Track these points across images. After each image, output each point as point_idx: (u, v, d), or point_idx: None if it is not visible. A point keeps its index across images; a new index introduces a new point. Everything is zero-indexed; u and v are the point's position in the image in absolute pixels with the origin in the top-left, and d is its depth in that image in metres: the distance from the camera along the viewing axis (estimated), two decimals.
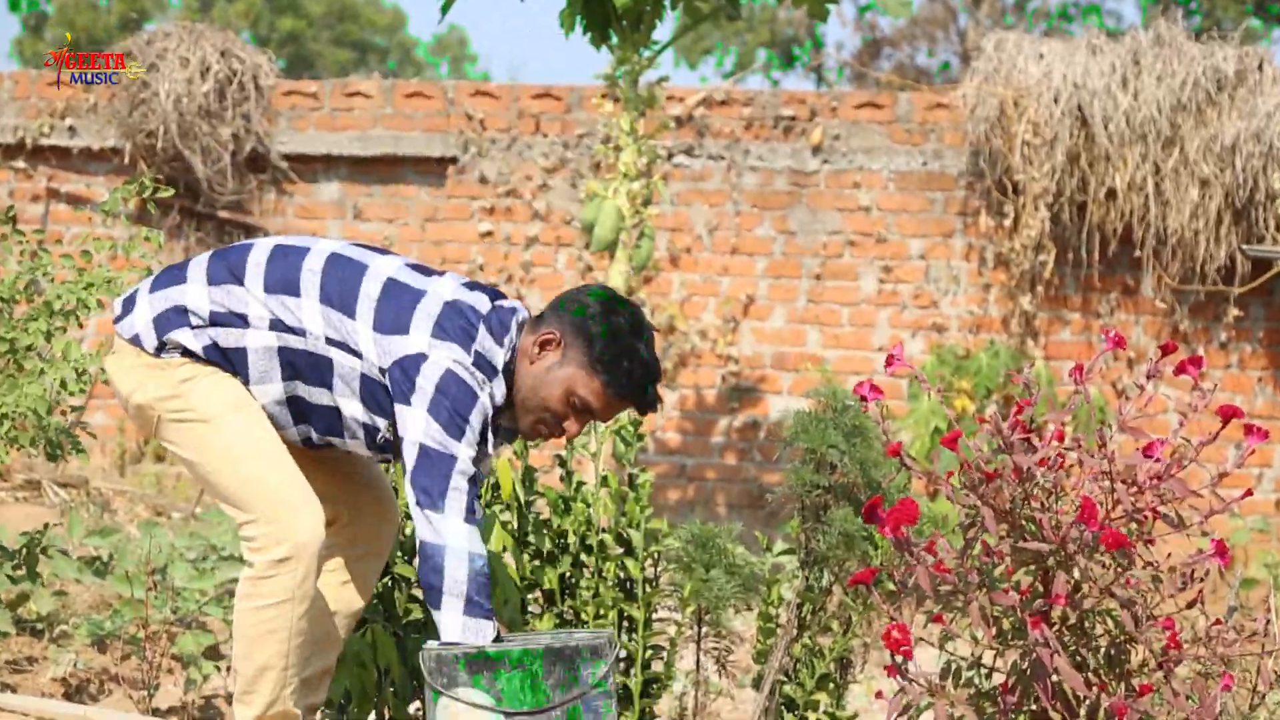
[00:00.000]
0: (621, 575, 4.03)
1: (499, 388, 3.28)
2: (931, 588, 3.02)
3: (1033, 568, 3.11)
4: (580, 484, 4.09)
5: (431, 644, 3.14)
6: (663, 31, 22.16)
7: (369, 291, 3.29)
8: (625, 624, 4.03)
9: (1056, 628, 3.09)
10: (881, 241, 8.96)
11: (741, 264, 9.13)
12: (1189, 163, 8.38)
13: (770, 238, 9.10)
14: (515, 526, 4.00)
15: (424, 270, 3.38)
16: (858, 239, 8.99)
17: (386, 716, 3.92)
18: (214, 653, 5.34)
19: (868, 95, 9.07)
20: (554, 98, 9.20)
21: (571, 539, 4.04)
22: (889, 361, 3.26)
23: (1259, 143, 8.28)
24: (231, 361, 3.32)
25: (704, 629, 4.14)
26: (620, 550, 4.04)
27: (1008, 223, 8.68)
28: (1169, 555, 3.13)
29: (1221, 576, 7.46)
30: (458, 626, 3.13)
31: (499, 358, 3.28)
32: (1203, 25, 19.79)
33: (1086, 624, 3.14)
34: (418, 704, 3.93)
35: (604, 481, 4.07)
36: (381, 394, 3.28)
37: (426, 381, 3.19)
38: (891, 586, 3.36)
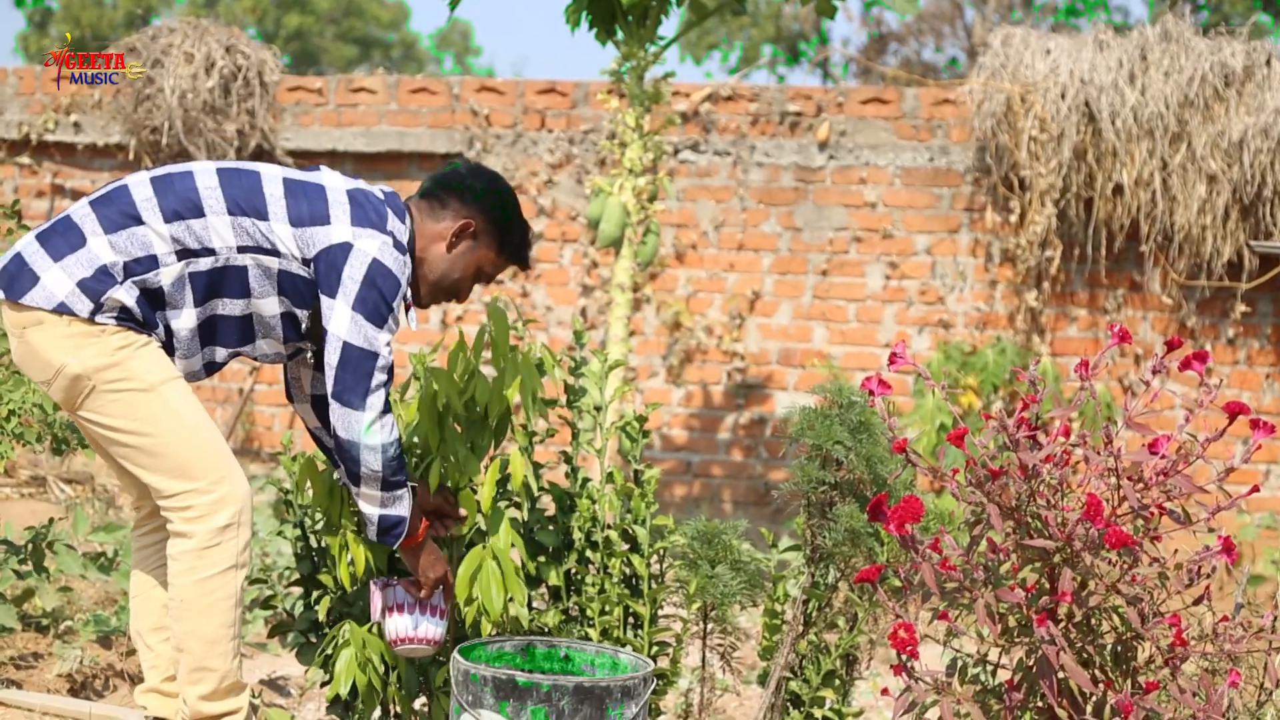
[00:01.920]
0: (627, 572, 4.03)
1: (409, 268, 3.46)
2: (937, 585, 3.02)
3: (1039, 565, 3.11)
4: (585, 480, 4.10)
5: (459, 657, 3.12)
6: (668, 27, 22.16)
7: (272, 191, 3.41)
8: (630, 620, 4.03)
9: (1063, 625, 3.09)
10: (888, 238, 8.96)
11: (748, 260, 9.13)
12: (1196, 158, 8.36)
13: (776, 234, 9.10)
14: (523, 522, 4.00)
15: (302, 170, 3.54)
16: (864, 235, 8.99)
17: (393, 713, 3.92)
18: None
19: (874, 91, 9.07)
20: (559, 93, 9.20)
21: (577, 535, 4.04)
22: (892, 359, 3.27)
23: (1267, 138, 8.27)
24: (152, 303, 3.34)
25: (710, 625, 4.14)
26: (626, 547, 4.04)
27: (1014, 219, 8.67)
28: (1175, 552, 3.13)
29: (1229, 573, 7.47)
30: (375, 504, 3.39)
31: (404, 238, 3.46)
32: (1210, 21, 19.76)
33: (1093, 621, 3.14)
34: (423, 700, 3.93)
35: (609, 478, 4.08)
36: (302, 285, 3.40)
37: (354, 273, 3.33)
38: (897, 583, 3.37)
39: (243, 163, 3.50)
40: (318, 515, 3.93)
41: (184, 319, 3.37)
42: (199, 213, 3.35)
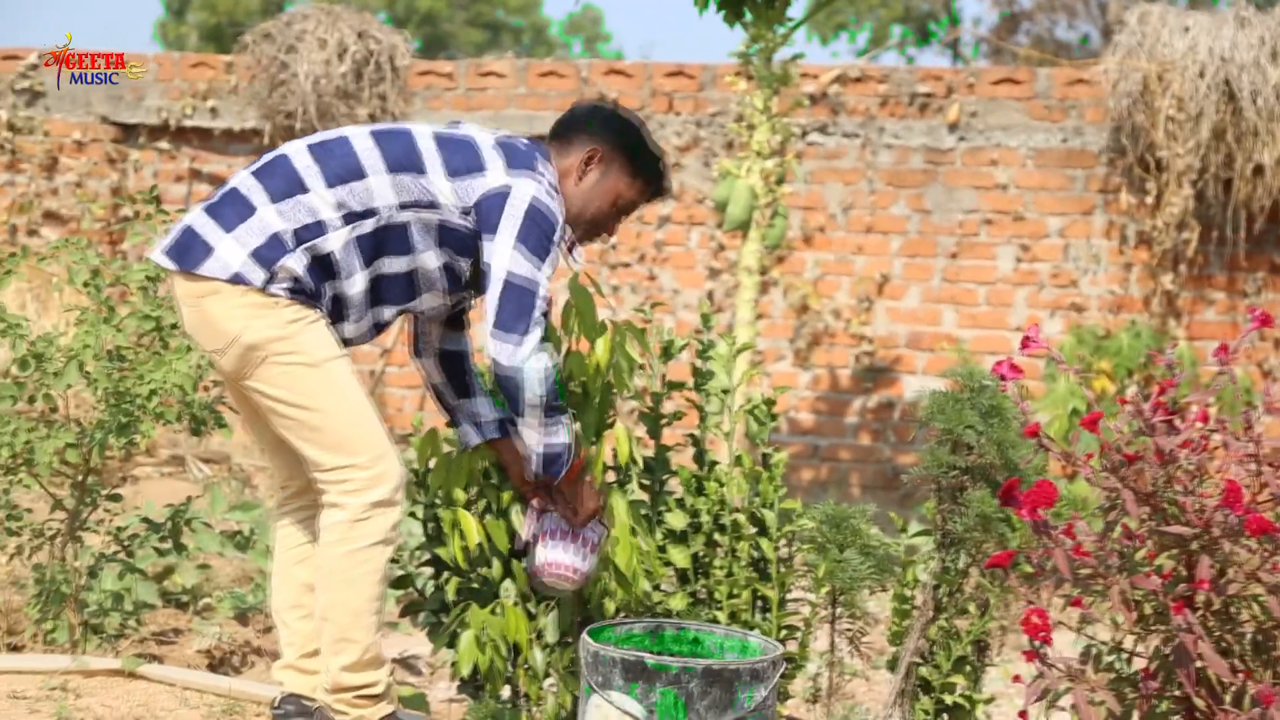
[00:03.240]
0: (755, 555, 4.03)
1: (562, 207, 3.51)
2: (1070, 571, 2.98)
3: (1175, 552, 3.06)
4: (713, 463, 4.09)
5: (588, 639, 3.13)
6: (797, 8, 22.06)
7: (426, 147, 3.48)
8: (759, 604, 4.03)
9: (1200, 613, 3.03)
10: (1019, 220, 8.84)
11: (876, 243, 9.06)
12: None
13: (905, 216, 9.02)
14: (648, 503, 4.01)
15: (445, 127, 3.61)
16: (995, 217, 8.88)
17: (521, 693, 3.96)
18: None
19: (1006, 71, 8.95)
20: (687, 76, 9.19)
21: (705, 518, 4.04)
22: (1024, 343, 3.23)
23: None
24: (322, 270, 3.41)
25: (838, 610, 4.12)
26: (754, 530, 4.04)
27: (1150, 200, 8.51)
28: None
29: None
30: (537, 434, 3.44)
31: (554, 180, 3.54)
32: None
33: (1231, 610, 3.08)
34: (551, 680, 3.96)
35: (737, 461, 4.07)
36: (463, 234, 3.47)
37: (514, 211, 3.41)
38: (1029, 569, 3.32)
39: (389, 124, 3.57)
40: (438, 492, 3.97)
41: (355, 283, 3.44)
42: (360, 174, 3.41)
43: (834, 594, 4.08)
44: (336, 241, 3.40)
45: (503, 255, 3.38)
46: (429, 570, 4.18)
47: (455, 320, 3.77)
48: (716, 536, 4.05)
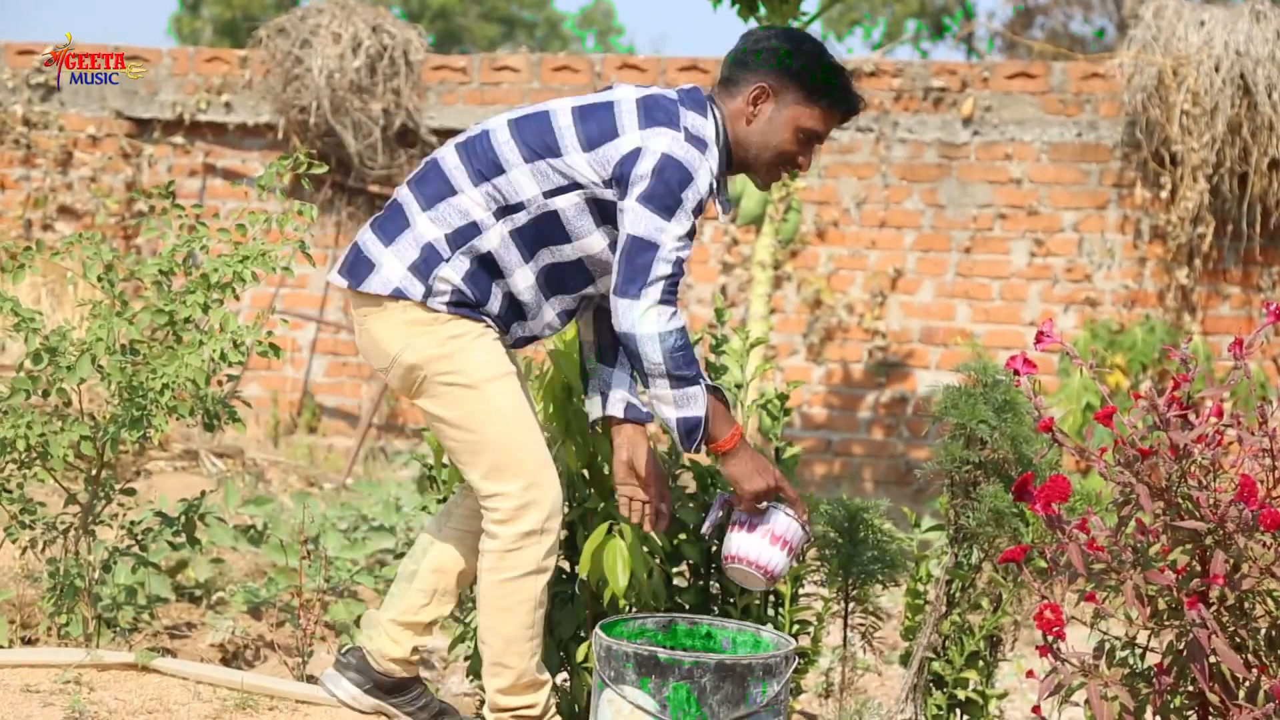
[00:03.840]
0: None
1: (713, 159, 3.32)
2: (1084, 566, 2.98)
3: (1189, 547, 3.05)
4: None
5: (601, 633, 3.13)
6: (811, 3, 21.98)
7: (562, 124, 3.36)
8: (771, 598, 4.02)
9: (1214, 608, 3.03)
10: (1033, 214, 8.82)
11: (890, 237, 9.04)
12: None
13: (919, 210, 9.00)
14: None
15: (593, 95, 3.47)
16: (1009, 212, 8.86)
17: None
18: None
19: (1020, 65, 8.92)
20: (701, 70, 9.18)
21: None
22: (1038, 338, 3.22)
23: None
24: (486, 270, 3.35)
25: (851, 605, 4.12)
26: None
27: (1164, 194, 8.49)
28: None
29: None
30: (670, 401, 3.24)
31: (708, 130, 3.34)
32: None
33: (1245, 605, 3.07)
34: (564, 675, 3.96)
35: None
36: (614, 207, 3.33)
37: (642, 169, 3.25)
38: (1043, 564, 3.32)
39: (533, 106, 3.46)
40: (455, 490, 3.97)
41: (520, 278, 3.38)
42: (500, 170, 3.35)
43: (847, 589, 4.08)
44: (494, 238, 3.34)
45: (627, 214, 3.24)
46: None
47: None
48: None
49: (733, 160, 3.44)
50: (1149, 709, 3.23)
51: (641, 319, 3.19)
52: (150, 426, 4.17)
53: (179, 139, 9.87)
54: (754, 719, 3.00)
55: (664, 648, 3.20)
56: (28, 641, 4.42)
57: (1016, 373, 3.21)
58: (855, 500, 4.03)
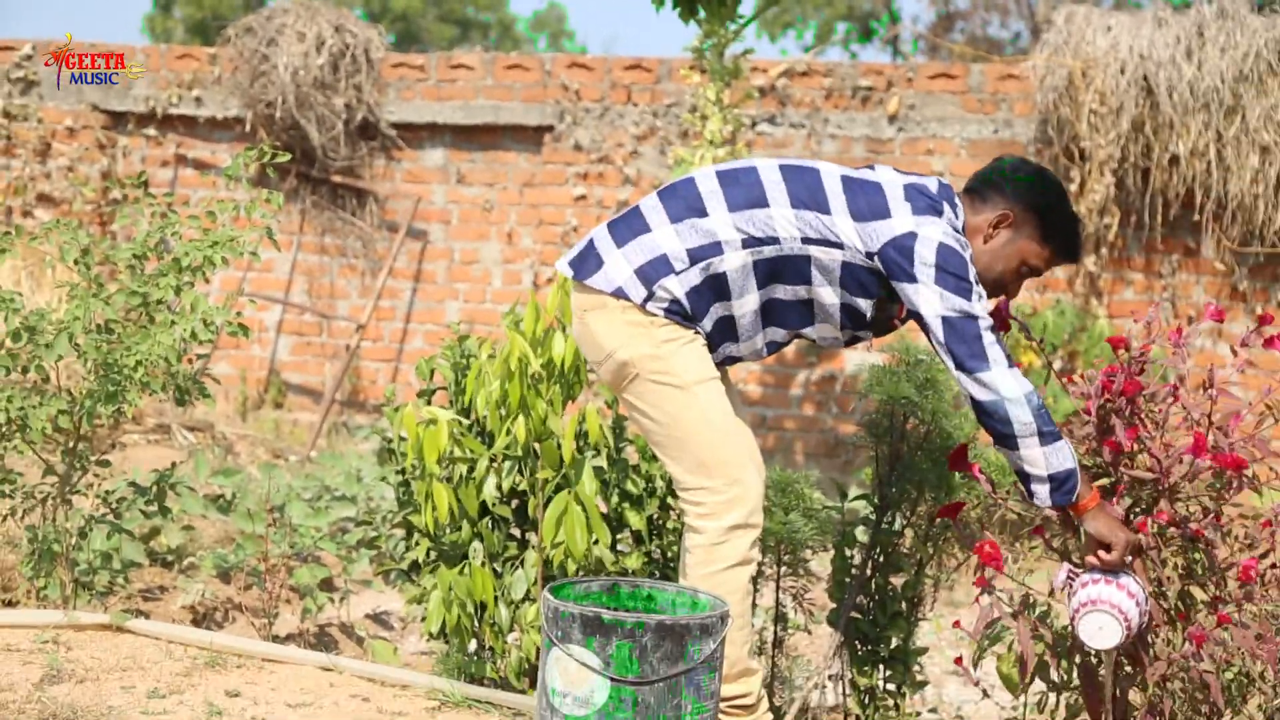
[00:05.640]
0: None
1: (967, 249, 3.28)
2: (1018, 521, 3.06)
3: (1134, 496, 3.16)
4: None
5: (549, 595, 3.12)
6: (747, 6, 21.98)
7: (832, 188, 3.30)
8: None
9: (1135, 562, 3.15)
10: None
11: None
12: (1250, 131, 8.19)
13: None
14: (606, 470, 4.01)
15: (857, 169, 3.42)
16: None
17: (486, 645, 3.95)
18: (328, 585, 5.41)
19: (941, 67, 8.95)
20: (645, 69, 9.16)
21: (659, 483, 4.04)
22: (999, 320, 3.33)
23: None
24: (712, 290, 3.31)
25: (783, 569, 4.14)
26: None
27: (1074, 188, 8.54)
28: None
29: None
30: (1041, 459, 3.12)
31: (959, 225, 3.32)
32: None
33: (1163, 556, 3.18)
34: (515, 635, 3.96)
35: None
36: (865, 276, 3.28)
37: (926, 257, 3.18)
38: (976, 522, 3.41)
39: (802, 160, 3.40)
40: (414, 462, 3.96)
41: (746, 303, 3.33)
42: (763, 204, 3.29)
43: (779, 553, 4.10)
44: (734, 263, 3.29)
45: (929, 302, 3.17)
46: (400, 532, 4.17)
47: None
48: (669, 501, 4.04)
49: None
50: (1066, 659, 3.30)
51: (1003, 384, 3.12)
52: (124, 401, 4.13)
53: (152, 131, 9.77)
54: (691, 675, 3.00)
55: (608, 609, 3.20)
56: (8, 604, 4.38)
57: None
58: (788, 472, 4.04)
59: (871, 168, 3.43)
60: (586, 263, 3.37)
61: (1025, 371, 8.01)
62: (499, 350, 3.91)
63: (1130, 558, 3.16)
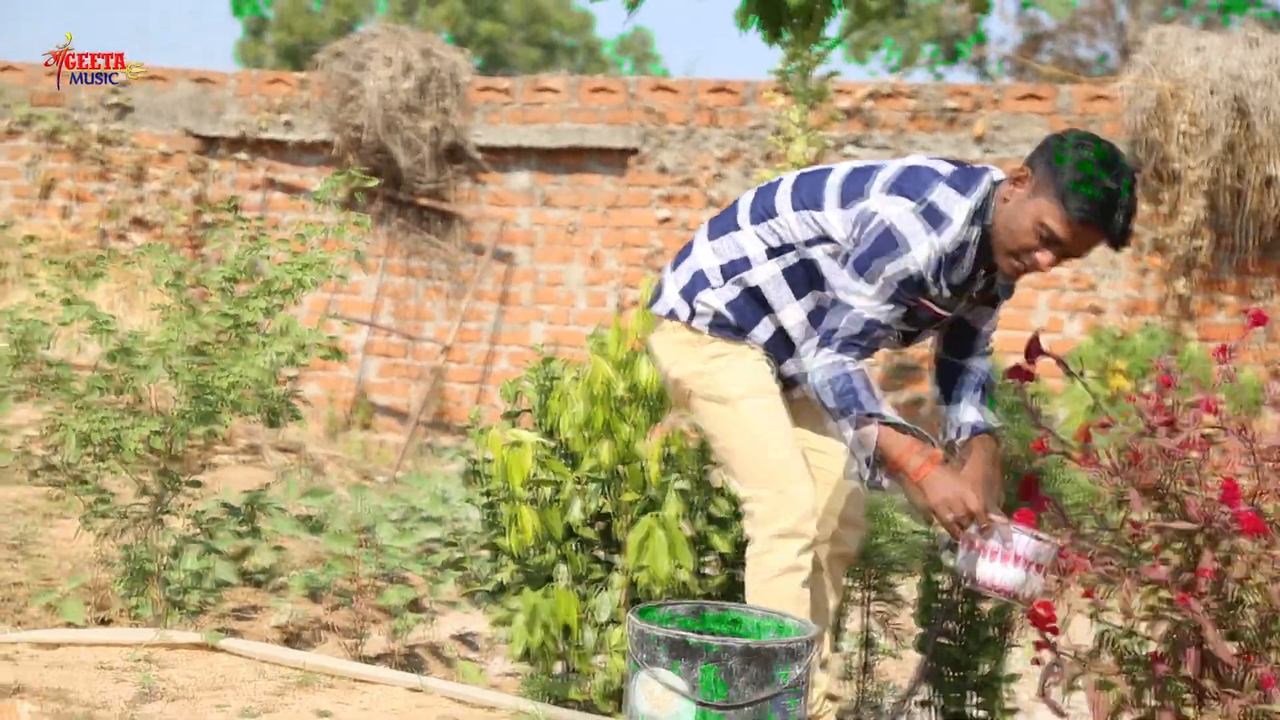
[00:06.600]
0: None
1: (944, 239, 3.15)
2: (1089, 559, 2.98)
3: (1180, 545, 3.04)
4: None
5: (634, 618, 3.12)
6: (832, 29, 21.95)
7: (833, 182, 3.30)
8: None
9: (1204, 600, 3.03)
10: None
11: None
12: None
13: None
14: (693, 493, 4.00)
15: (890, 160, 3.36)
16: None
17: (572, 668, 3.95)
18: (415, 605, 5.44)
19: (1030, 88, 8.89)
20: (729, 92, 9.17)
21: None
22: (1028, 353, 3.23)
23: None
24: (754, 302, 3.35)
25: (871, 593, 4.11)
26: None
27: (1164, 210, 8.44)
28: None
29: None
30: (849, 433, 3.16)
31: (958, 207, 3.15)
32: None
33: (1235, 596, 3.07)
34: (602, 657, 3.96)
35: None
36: None
37: (865, 232, 3.17)
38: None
39: (825, 165, 3.39)
40: (499, 484, 3.97)
41: (789, 314, 3.35)
42: (773, 212, 3.34)
43: (867, 578, 4.07)
44: (762, 274, 3.34)
45: (842, 273, 3.20)
46: (486, 554, 4.18)
47: (961, 335, 3.51)
48: None
49: (992, 243, 3.23)
50: (1149, 694, 3.22)
51: (812, 367, 3.18)
52: (216, 422, 4.18)
53: (243, 155, 9.91)
54: (778, 700, 2.99)
55: (694, 632, 3.19)
56: (102, 622, 4.45)
57: (1020, 381, 3.22)
58: (876, 495, 4.01)
59: (905, 156, 3.37)
60: (656, 294, 3.50)
61: (1114, 395, 7.92)
62: (583, 373, 3.92)
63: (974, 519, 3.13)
